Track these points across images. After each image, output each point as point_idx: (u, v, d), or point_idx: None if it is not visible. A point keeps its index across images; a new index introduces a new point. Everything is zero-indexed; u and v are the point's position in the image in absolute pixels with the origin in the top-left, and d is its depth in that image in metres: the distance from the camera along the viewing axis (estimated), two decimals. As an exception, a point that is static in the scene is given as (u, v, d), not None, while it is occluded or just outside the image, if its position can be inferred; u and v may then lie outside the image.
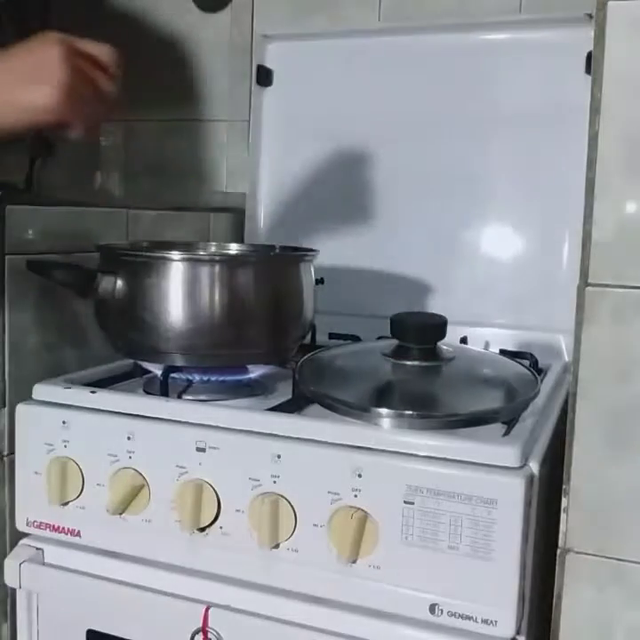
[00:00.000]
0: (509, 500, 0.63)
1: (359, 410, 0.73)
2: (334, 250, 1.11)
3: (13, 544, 0.82)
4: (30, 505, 0.80)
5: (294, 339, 0.88)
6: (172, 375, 0.82)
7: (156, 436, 0.75)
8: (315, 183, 1.19)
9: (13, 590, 0.82)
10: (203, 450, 0.73)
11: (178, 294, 0.80)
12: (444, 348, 0.83)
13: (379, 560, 0.67)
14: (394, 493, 0.66)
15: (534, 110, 1.07)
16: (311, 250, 0.89)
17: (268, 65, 1.21)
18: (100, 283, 0.81)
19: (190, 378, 0.85)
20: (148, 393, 0.84)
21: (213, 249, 1.00)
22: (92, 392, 0.80)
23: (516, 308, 1.07)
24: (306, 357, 0.85)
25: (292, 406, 0.79)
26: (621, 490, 0.62)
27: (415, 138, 1.13)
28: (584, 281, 0.63)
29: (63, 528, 0.79)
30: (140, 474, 0.75)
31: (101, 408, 0.78)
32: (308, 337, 0.95)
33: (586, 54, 1.01)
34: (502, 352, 0.96)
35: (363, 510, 0.67)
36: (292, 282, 0.86)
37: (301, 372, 0.81)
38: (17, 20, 1.22)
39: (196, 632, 0.73)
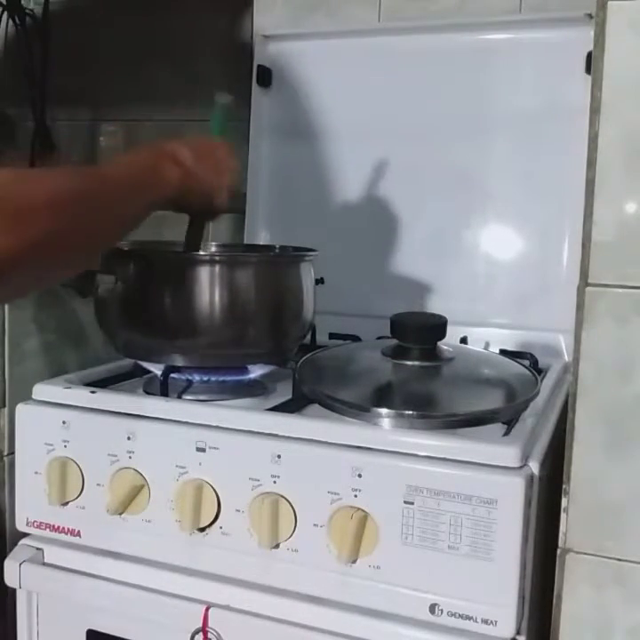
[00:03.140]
0: (509, 499, 0.63)
1: (359, 410, 0.73)
2: (334, 250, 1.11)
3: (13, 544, 0.82)
4: (30, 505, 0.80)
5: (294, 339, 0.88)
6: (172, 375, 0.82)
7: (156, 435, 0.75)
8: (315, 183, 1.19)
9: (13, 590, 0.82)
10: (203, 450, 0.73)
11: (178, 294, 0.80)
12: (444, 347, 0.83)
13: (379, 560, 0.67)
14: (394, 493, 0.66)
15: (534, 110, 1.07)
16: (311, 250, 0.89)
17: (268, 65, 1.21)
18: (99, 283, 0.81)
19: (190, 378, 0.85)
20: (148, 393, 0.84)
21: (213, 249, 1.00)
22: (92, 392, 0.80)
23: (516, 308, 1.07)
24: (306, 357, 0.85)
25: (292, 406, 0.79)
26: (621, 490, 0.62)
27: (415, 138, 1.13)
28: (584, 281, 0.63)
29: (63, 528, 0.79)
30: (140, 474, 0.75)
31: (101, 408, 0.78)
32: (308, 337, 0.95)
33: (586, 54, 1.01)
34: (502, 352, 0.96)
35: (363, 510, 0.67)
36: (292, 282, 0.86)
37: (301, 372, 0.81)
38: (18, 19, 1.22)
39: (196, 632, 0.73)
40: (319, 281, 0.91)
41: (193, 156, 0.73)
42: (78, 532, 0.79)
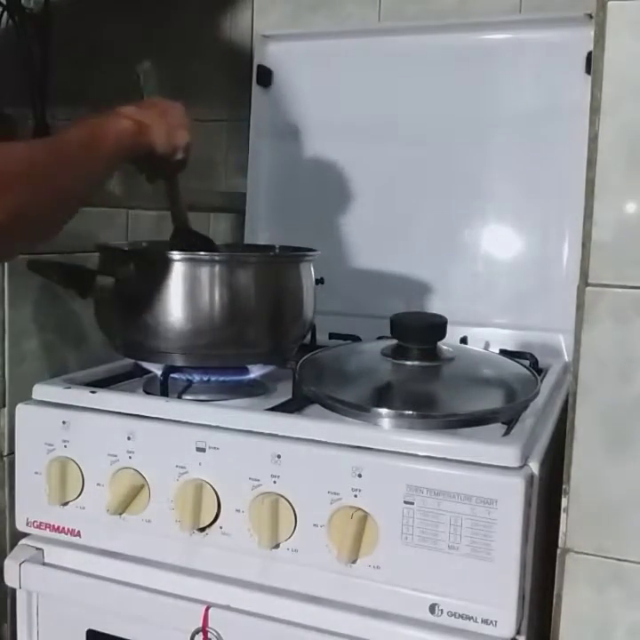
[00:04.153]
0: (509, 499, 0.63)
1: (359, 410, 0.73)
2: (334, 250, 1.11)
3: (13, 544, 0.82)
4: (30, 505, 0.80)
5: (294, 339, 0.88)
6: (172, 375, 0.82)
7: (156, 435, 0.75)
8: (315, 183, 1.19)
9: (13, 590, 0.82)
10: (203, 450, 0.73)
11: (178, 294, 0.80)
12: (444, 348, 0.83)
13: (379, 560, 0.67)
14: (394, 493, 0.66)
15: (534, 110, 1.07)
16: (311, 250, 0.89)
17: (268, 65, 1.21)
18: (99, 283, 0.81)
19: (190, 378, 0.85)
20: (148, 393, 0.84)
21: (213, 249, 1.00)
22: (92, 392, 0.80)
23: (516, 308, 1.07)
24: (306, 357, 0.85)
25: (292, 406, 0.79)
26: (621, 490, 0.62)
27: (415, 137, 1.13)
28: (584, 281, 0.63)
29: (63, 528, 0.79)
30: (140, 474, 0.75)
31: (101, 408, 0.78)
32: (308, 337, 0.95)
33: (586, 54, 1.01)
34: (502, 352, 0.96)
35: (363, 510, 0.67)
36: (292, 282, 0.86)
37: (301, 372, 0.81)
38: (18, 19, 1.22)
39: (196, 632, 0.73)
40: (319, 281, 0.91)
41: (143, 113, 0.77)
42: (78, 532, 0.79)
